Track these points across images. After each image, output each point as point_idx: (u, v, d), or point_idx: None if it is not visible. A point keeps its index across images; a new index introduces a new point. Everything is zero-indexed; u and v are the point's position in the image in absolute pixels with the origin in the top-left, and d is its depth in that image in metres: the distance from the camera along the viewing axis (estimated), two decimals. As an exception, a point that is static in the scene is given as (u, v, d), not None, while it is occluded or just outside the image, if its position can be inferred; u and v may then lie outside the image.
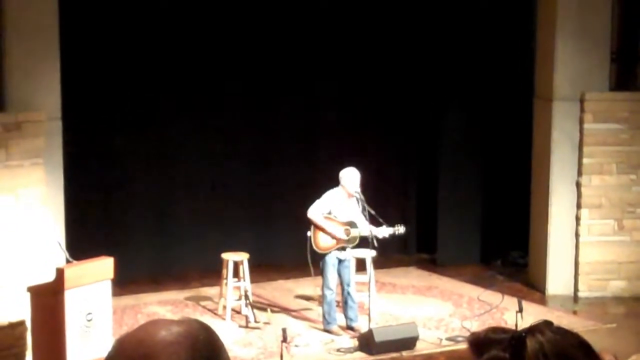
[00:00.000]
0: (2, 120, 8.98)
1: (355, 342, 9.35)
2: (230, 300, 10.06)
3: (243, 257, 10.14)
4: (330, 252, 9.50)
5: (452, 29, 12.35)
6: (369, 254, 9.90)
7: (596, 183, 11.13)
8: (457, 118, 12.48)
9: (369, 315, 9.53)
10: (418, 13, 12.45)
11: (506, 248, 12.53)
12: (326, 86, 12.27)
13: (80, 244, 9.46)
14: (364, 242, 9.62)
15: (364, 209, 9.45)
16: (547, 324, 1.86)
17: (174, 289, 11.23)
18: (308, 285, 10.86)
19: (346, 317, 9.71)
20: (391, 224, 9.64)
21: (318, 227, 9.46)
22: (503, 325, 9.29)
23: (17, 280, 8.58)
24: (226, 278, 10.06)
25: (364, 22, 12.26)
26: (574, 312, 10.80)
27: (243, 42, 11.80)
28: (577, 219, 11.18)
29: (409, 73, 12.56)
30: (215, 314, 10.32)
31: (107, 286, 8.31)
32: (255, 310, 9.91)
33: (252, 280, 10.25)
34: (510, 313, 9.82)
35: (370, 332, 9.13)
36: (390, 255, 11.85)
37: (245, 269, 10.08)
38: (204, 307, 10.65)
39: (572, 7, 10.98)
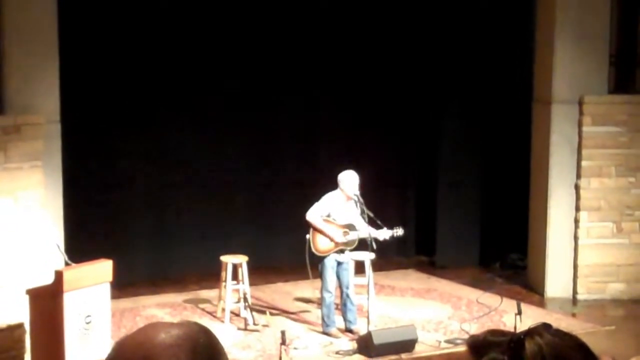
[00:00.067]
0: (1, 123, 8.99)
1: (354, 345, 9.34)
2: (229, 303, 10.06)
3: (242, 259, 10.14)
4: (329, 255, 9.50)
5: (451, 31, 12.36)
6: (368, 257, 9.90)
7: (595, 186, 11.13)
8: (456, 121, 12.49)
9: (367, 317, 9.53)
10: (418, 15, 12.46)
11: (505, 250, 12.53)
12: (325, 88, 12.28)
13: (79, 246, 9.45)
14: (362, 244, 9.62)
15: (362, 212, 9.45)
16: (546, 326, 1.86)
17: (173, 291, 11.23)
18: (307, 288, 10.85)
19: (345, 319, 9.71)
20: (390, 226, 9.64)
21: (317, 230, 9.46)
22: (502, 327, 9.29)
23: (16, 283, 8.58)
24: (225, 281, 10.05)
25: (364, 23, 12.27)
26: (573, 315, 10.81)
27: (242, 43, 11.80)
28: (576, 221, 11.18)
29: (408, 76, 12.57)
30: (214, 316, 10.31)
31: (106, 289, 8.31)
32: (254, 313, 9.90)
33: (251, 283, 10.25)
34: (509, 315, 9.82)
35: (369, 334, 9.12)
36: (389, 257, 11.86)
37: (244, 271, 10.08)
38: (202, 309, 10.65)
39: (571, 10, 10.99)
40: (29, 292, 8.01)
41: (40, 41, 9.42)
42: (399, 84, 12.57)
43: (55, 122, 9.58)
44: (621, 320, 10.58)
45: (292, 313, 10.51)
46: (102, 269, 8.27)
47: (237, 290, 10.09)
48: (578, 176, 11.16)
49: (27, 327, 8.36)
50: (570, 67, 11.06)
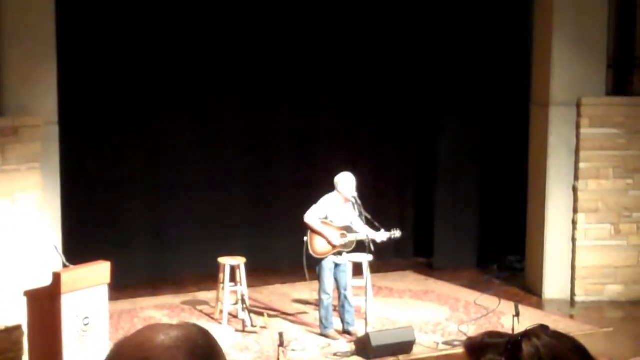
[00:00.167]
0: (-1, 124, 8.99)
1: (352, 347, 9.34)
2: (227, 305, 10.05)
3: (240, 261, 10.14)
4: (327, 257, 9.50)
5: (449, 33, 12.36)
6: (365, 259, 9.90)
7: (593, 187, 11.14)
8: (454, 123, 12.49)
9: (365, 319, 9.52)
10: (418, 17, 12.46)
11: (503, 252, 12.53)
12: (324, 90, 12.27)
13: (77, 248, 9.44)
14: (360, 246, 9.62)
15: (360, 214, 9.45)
16: (543, 328, 1.86)
17: (171, 293, 11.23)
18: (305, 290, 10.85)
19: (343, 321, 9.71)
20: (388, 228, 9.65)
21: (315, 232, 9.47)
22: (500, 329, 9.29)
23: (14, 285, 8.57)
24: (223, 282, 10.05)
25: (364, 24, 12.27)
26: (571, 317, 10.81)
27: (241, 43, 11.79)
28: (574, 223, 11.19)
29: (406, 78, 12.57)
30: (212, 318, 10.31)
31: (104, 290, 8.30)
32: (252, 315, 9.90)
33: (249, 285, 10.25)
34: (507, 317, 9.83)
35: (367, 336, 9.12)
36: (387, 259, 11.86)
37: (242, 273, 10.08)
38: (200, 311, 10.64)
39: (568, 13, 11.00)
40: (27, 293, 8.01)
41: (38, 42, 9.42)
42: (398, 87, 12.57)
43: (53, 123, 9.58)
44: (619, 322, 10.59)
45: (290, 315, 10.51)
46: (100, 271, 8.26)
47: (235, 292, 10.09)
48: (576, 178, 11.16)
49: (25, 329, 8.35)
50: (568, 69, 11.07)
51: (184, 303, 10.92)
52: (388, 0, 12.45)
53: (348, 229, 9.51)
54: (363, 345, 9.13)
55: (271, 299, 11.06)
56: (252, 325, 9.81)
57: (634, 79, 11.44)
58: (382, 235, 9.58)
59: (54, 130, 9.59)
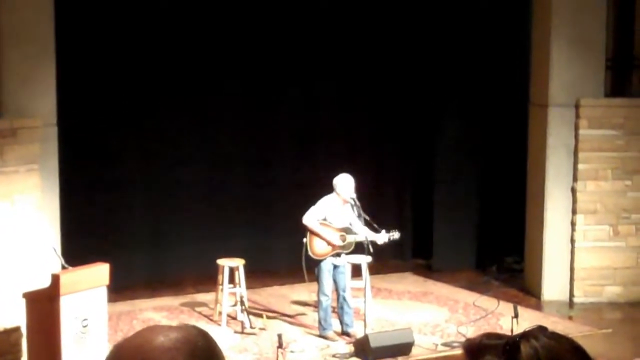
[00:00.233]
0: (-2, 126, 8.99)
1: (350, 348, 9.34)
2: (226, 306, 10.05)
3: (239, 263, 10.14)
4: (325, 258, 9.51)
5: (448, 34, 12.37)
6: (364, 260, 9.90)
7: (591, 189, 11.15)
8: (453, 123, 12.49)
9: (364, 320, 9.53)
10: (417, 17, 12.45)
11: (502, 254, 12.54)
12: (324, 90, 12.27)
13: (76, 249, 9.45)
14: (359, 247, 9.63)
15: (359, 215, 9.45)
16: (542, 329, 1.86)
17: (170, 295, 11.23)
18: (303, 291, 10.85)
19: (342, 322, 9.71)
20: (386, 229, 9.65)
21: (314, 234, 9.47)
22: (499, 330, 9.29)
23: (13, 286, 8.57)
24: (222, 284, 10.05)
25: (364, 25, 12.26)
26: (570, 318, 10.81)
27: (241, 43, 11.78)
28: (573, 224, 11.19)
29: (405, 79, 12.57)
30: (210, 319, 10.31)
31: (103, 292, 8.30)
32: (250, 316, 9.90)
33: (248, 286, 10.24)
34: (506, 319, 9.83)
35: (365, 337, 9.13)
36: (385, 261, 11.86)
37: (240, 275, 10.08)
38: (199, 313, 10.64)
39: (567, 14, 11.01)
40: (26, 295, 8.00)
41: (37, 44, 9.42)
42: (396, 88, 12.57)
43: (52, 125, 9.59)
44: (618, 323, 10.59)
45: (289, 316, 10.51)
46: (99, 272, 8.26)
47: (234, 294, 10.09)
48: (574, 179, 11.17)
49: (24, 330, 8.35)
50: (566, 70, 11.08)
51: (183, 305, 10.92)
52: (388, 0, 12.46)
53: (347, 231, 9.51)
54: (362, 346, 9.13)
55: (270, 301, 11.06)
56: (251, 327, 9.81)
57: (632, 80, 11.45)
58: (381, 237, 9.58)
59: (53, 132, 9.59)
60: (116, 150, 11.33)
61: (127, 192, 11.45)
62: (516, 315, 9.14)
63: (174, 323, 1.85)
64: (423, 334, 9.89)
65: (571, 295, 11.24)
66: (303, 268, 9.45)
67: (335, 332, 9.70)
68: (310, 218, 9.46)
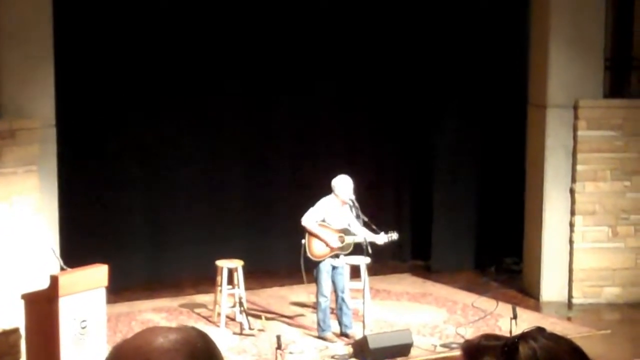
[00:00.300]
0: (-4, 127, 8.98)
1: (349, 349, 9.34)
2: (225, 308, 10.05)
3: (237, 264, 10.14)
4: (324, 260, 9.51)
5: (447, 35, 12.36)
6: (363, 261, 9.90)
7: (590, 190, 11.15)
8: (451, 124, 12.50)
9: (363, 322, 9.53)
10: (416, 18, 12.45)
11: (500, 254, 12.54)
12: (323, 91, 12.27)
13: (75, 251, 9.45)
14: (358, 249, 9.63)
15: (358, 216, 9.45)
16: (540, 330, 1.86)
17: (168, 296, 11.22)
18: (302, 292, 10.86)
19: (340, 323, 9.71)
20: (385, 230, 9.65)
21: (312, 235, 9.47)
22: (497, 331, 9.29)
23: (11, 288, 8.57)
24: (221, 285, 10.05)
25: (363, 25, 12.25)
26: (569, 319, 10.81)
27: (240, 44, 11.76)
28: (571, 225, 11.20)
29: (404, 80, 12.57)
30: (209, 321, 10.31)
31: (102, 293, 8.30)
32: (249, 318, 9.90)
33: (247, 287, 10.25)
34: (505, 320, 9.83)
35: (364, 338, 9.13)
36: (384, 262, 11.85)
37: (239, 276, 10.08)
38: (198, 314, 10.64)
39: (565, 15, 11.01)
40: (25, 297, 8.01)
41: (36, 44, 9.41)
42: (394, 91, 12.57)
43: (51, 126, 9.58)
44: (616, 324, 10.59)
45: (288, 317, 10.52)
46: (98, 274, 8.26)
47: (233, 295, 10.09)
48: (573, 180, 11.17)
49: (23, 332, 8.35)
50: (565, 71, 11.08)
51: (182, 306, 10.92)
52: (388, 0, 12.46)
53: (346, 232, 9.51)
54: (361, 347, 9.13)
55: (269, 302, 11.06)
56: (250, 328, 9.80)
57: (631, 80, 11.45)
58: (380, 238, 9.58)
59: (52, 133, 9.58)
60: (115, 152, 11.32)
61: (126, 193, 11.45)
62: (515, 317, 9.14)
63: (173, 324, 1.85)
64: (422, 335, 9.89)
65: (570, 296, 11.24)
66: (302, 269, 9.45)
67: (334, 333, 9.70)
68: (309, 219, 9.46)
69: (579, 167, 11.13)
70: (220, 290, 10.06)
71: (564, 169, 11.17)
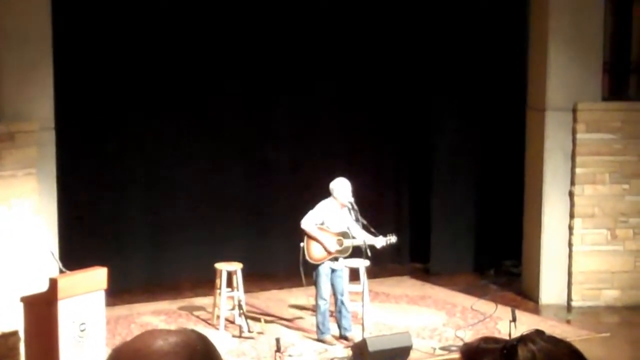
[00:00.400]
0: (-5, 130, 8.98)
1: (348, 352, 9.34)
2: (224, 310, 10.05)
3: (236, 267, 10.14)
4: (323, 263, 9.51)
5: (447, 37, 12.37)
6: (362, 264, 9.90)
7: (589, 193, 11.15)
8: (450, 127, 12.50)
9: (362, 324, 9.53)
10: (416, 19, 12.45)
11: (499, 257, 12.54)
12: (323, 91, 12.27)
13: (74, 253, 9.44)
14: (357, 251, 9.63)
15: (357, 219, 9.46)
16: (539, 333, 1.86)
17: (168, 299, 11.22)
18: (301, 295, 10.86)
19: (340, 326, 9.71)
20: (384, 233, 9.65)
21: (311, 238, 9.47)
22: (496, 334, 9.31)
23: (10, 290, 8.57)
24: (220, 288, 10.05)
25: (363, 26, 12.25)
26: (568, 322, 10.81)
27: (239, 45, 11.76)
28: (570, 228, 11.20)
29: (403, 81, 12.57)
30: (208, 323, 10.31)
31: (101, 296, 8.30)
32: (248, 320, 9.89)
33: (246, 290, 10.25)
34: (504, 322, 9.83)
35: (363, 341, 9.12)
36: (383, 264, 11.85)
37: (238, 278, 10.08)
38: (197, 317, 10.64)
39: (564, 18, 11.02)
40: (24, 299, 8.00)
41: (34, 47, 9.41)
42: (393, 93, 12.57)
43: (49, 129, 9.58)
44: (616, 327, 10.58)
45: (287, 320, 10.51)
46: (97, 276, 8.26)
47: (232, 298, 10.09)
48: (572, 183, 11.17)
49: (22, 334, 8.34)
50: (563, 74, 11.08)
51: (181, 308, 10.92)
52: (388, 1, 12.47)
53: (344, 235, 9.51)
54: (360, 350, 9.13)
55: (268, 305, 11.05)
56: (249, 331, 9.80)
57: (630, 83, 11.46)
58: (378, 241, 9.58)
59: (50, 135, 9.58)
60: (113, 154, 11.32)
61: (125, 196, 11.45)
62: (514, 319, 9.14)
63: (172, 327, 1.85)
64: (421, 337, 9.88)
65: (569, 299, 11.24)
66: (301, 272, 9.45)
67: (333, 336, 9.70)
68: (308, 222, 9.46)
69: (578, 170, 11.13)
70: (220, 293, 10.06)
71: (563, 171, 11.17)
